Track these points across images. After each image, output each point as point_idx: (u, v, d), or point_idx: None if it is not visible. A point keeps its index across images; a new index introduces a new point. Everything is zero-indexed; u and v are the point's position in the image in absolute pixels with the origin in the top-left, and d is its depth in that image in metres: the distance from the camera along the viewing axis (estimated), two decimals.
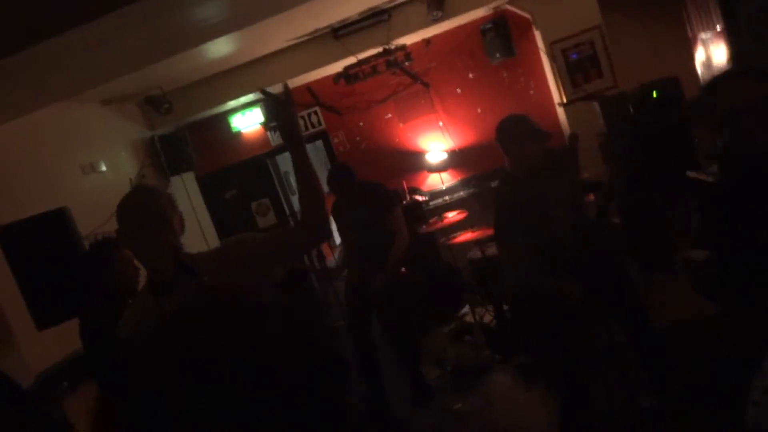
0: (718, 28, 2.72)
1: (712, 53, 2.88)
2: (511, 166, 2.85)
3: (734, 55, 2.61)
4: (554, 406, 3.19)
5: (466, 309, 4.97)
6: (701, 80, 3.20)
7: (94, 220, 4.22)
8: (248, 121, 6.11)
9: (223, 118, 6.15)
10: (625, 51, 5.10)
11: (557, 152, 2.94)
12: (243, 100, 5.87)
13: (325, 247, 3.61)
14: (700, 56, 3.12)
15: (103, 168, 4.66)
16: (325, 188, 3.94)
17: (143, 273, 2.13)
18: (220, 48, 4.40)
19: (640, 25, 5.02)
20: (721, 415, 2.66)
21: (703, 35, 3.01)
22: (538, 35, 5.44)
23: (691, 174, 2.90)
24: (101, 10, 2.96)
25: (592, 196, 3.50)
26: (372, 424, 3.77)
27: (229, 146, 6.26)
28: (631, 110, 2.82)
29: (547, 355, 3.62)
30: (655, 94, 4.50)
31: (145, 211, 1.66)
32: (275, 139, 6.17)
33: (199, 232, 5.88)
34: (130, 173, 5.00)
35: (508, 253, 2.85)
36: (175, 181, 5.66)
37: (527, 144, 2.73)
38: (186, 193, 5.89)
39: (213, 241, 6.07)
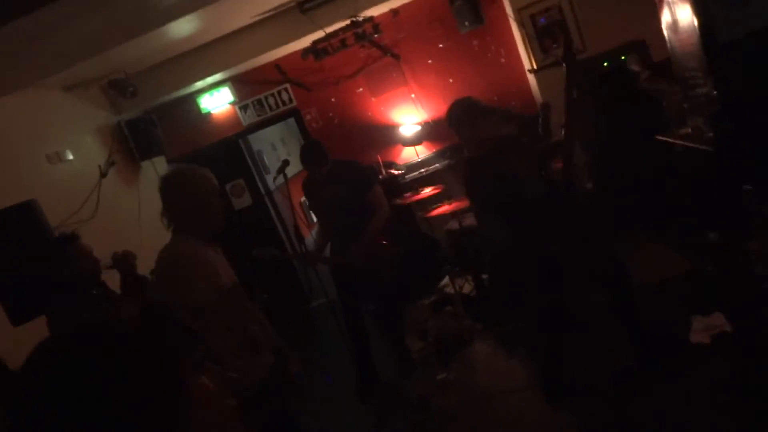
0: None
1: (678, 16, 2.91)
2: (468, 149, 2.89)
3: (700, 18, 2.64)
4: (534, 372, 3.28)
5: (446, 280, 5.03)
6: (668, 43, 3.24)
7: (64, 209, 4.13)
8: (217, 102, 5.99)
9: (192, 99, 6.01)
10: (593, 15, 5.10)
11: (523, 121, 2.97)
12: (210, 80, 5.73)
13: (301, 224, 3.57)
14: (666, 19, 3.15)
15: (70, 156, 4.54)
16: (299, 165, 3.91)
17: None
18: (184, 27, 4.27)
19: None
20: (695, 374, 2.77)
21: None
22: (506, 1, 5.40)
23: (660, 137, 2.95)
24: None
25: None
26: (362, 396, 3.83)
27: (200, 128, 6.14)
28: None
29: (526, 320, 3.71)
30: (624, 57, 4.55)
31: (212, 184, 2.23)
32: (246, 119, 6.07)
33: None
34: (98, 160, 4.87)
35: (488, 228, 2.91)
36: (146, 166, 5.55)
37: (478, 122, 2.78)
38: (158, 177, 5.77)
39: None
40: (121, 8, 3.64)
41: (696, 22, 2.66)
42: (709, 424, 2.42)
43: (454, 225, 4.59)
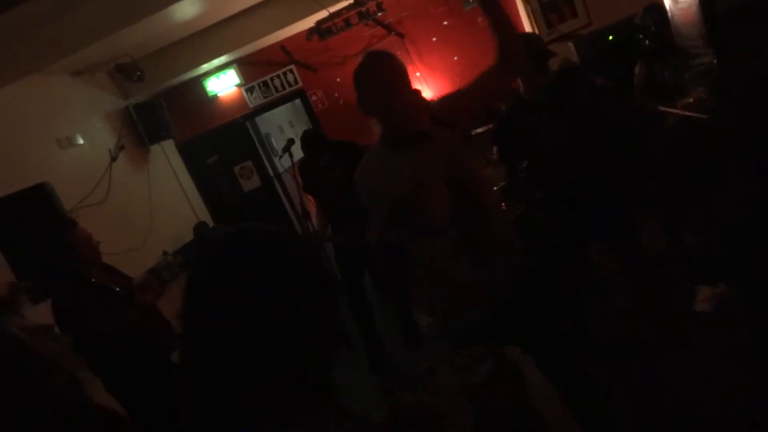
0: None
1: None
2: (521, 87, 2.85)
3: None
4: None
5: None
6: (669, 13, 3.23)
7: (76, 193, 4.22)
8: (224, 84, 6.02)
9: (198, 82, 6.05)
10: None
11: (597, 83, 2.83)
12: (216, 62, 5.76)
13: (307, 202, 3.64)
14: None
15: (80, 141, 4.61)
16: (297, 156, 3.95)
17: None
18: (188, 9, 4.30)
19: None
20: (699, 340, 2.82)
21: None
22: None
23: (662, 107, 2.96)
24: None
25: None
26: (371, 369, 3.92)
27: (207, 111, 6.19)
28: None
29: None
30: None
31: (399, 71, 1.82)
32: (253, 101, 6.10)
33: (184, 200, 5.89)
34: (107, 144, 4.95)
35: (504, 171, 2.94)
36: (155, 149, 5.62)
37: (529, 62, 2.69)
38: (167, 161, 5.86)
39: (199, 208, 6.08)
40: None
41: None
42: (713, 388, 2.47)
43: None
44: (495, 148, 2.96)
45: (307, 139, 3.85)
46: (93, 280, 2.77)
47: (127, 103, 5.45)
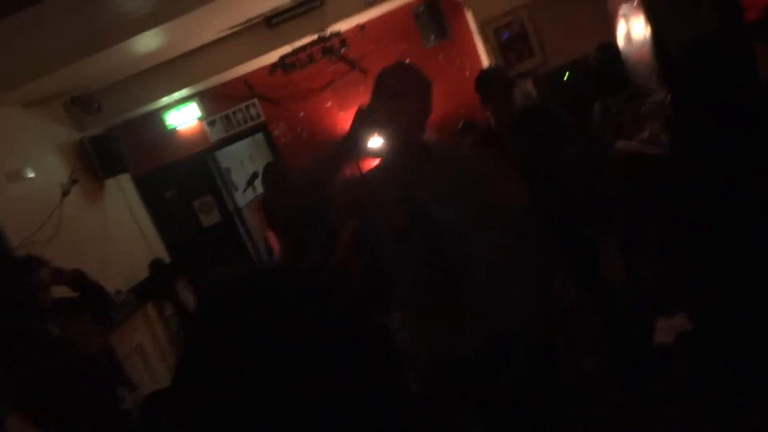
0: (635, 1, 2.89)
1: (631, 27, 3.05)
2: (498, 119, 2.88)
3: (651, 27, 2.77)
4: None
5: None
6: (623, 54, 3.38)
7: (26, 229, 4.03)
8: (183, 118, 5.93)
9: (157, 115, 5.94)
10: (552, 28, 5.25)
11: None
12: (177, 95, 5.69)
13: (271, 238, 3.56)
14: (621, 30, 3.30)
15: (31, 174, 4.43)
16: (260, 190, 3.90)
17: None
18: (149, 42, 4.24)
19: (564, 1, 5.17)
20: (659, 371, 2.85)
21: (622, 9, 3.18)
22: (470, 16, 5.52)
23: (619, 141, 3.05)
24: (17, 5, 2.82)
25: None
26: None
27: (166, 144, 6.06)
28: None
29: None
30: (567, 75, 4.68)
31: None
32: (213, 135, 6.03)
33: (140, 236, 5.70)
34: (60, 178, 4.76)
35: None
36: (110, 183, 5.45)
37: (499, 92, 2.78)
38: (123, 195, 5.68)
39: (156, 243, 5.89)
40: (82, 22, 3.61)
41: (648, 32, 2.79)
42: (673, 418, 2.49)
43: None
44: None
45: (268, 173, 3.81)
46: (31, 325, 2.59)
47: (81, 136, 5.29)
